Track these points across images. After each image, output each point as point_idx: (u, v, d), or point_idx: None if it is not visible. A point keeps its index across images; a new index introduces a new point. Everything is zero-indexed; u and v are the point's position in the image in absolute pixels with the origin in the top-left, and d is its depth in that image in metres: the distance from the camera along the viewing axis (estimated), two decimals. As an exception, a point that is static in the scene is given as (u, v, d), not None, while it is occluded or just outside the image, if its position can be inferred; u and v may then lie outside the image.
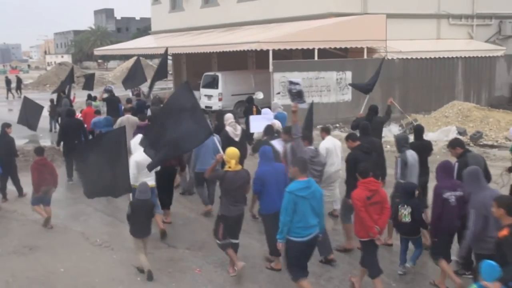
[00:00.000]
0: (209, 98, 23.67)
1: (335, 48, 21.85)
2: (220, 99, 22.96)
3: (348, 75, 21.57)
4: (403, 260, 7.73)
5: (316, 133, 10.95)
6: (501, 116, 19.22)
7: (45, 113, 20.73)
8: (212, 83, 23.87)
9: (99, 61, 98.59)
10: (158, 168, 8.85)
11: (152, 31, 38.82)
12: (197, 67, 30.81)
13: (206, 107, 23.51)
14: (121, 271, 8.05)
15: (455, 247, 7.35)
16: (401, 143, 8.54)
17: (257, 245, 8.78)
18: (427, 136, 17.58)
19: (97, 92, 22.48)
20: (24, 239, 9.40)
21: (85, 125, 14.23)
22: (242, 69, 27.84)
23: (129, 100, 17.03)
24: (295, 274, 6.71)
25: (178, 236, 9.42)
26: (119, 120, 13.33)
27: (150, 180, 8.92)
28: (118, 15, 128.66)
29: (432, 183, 7.75)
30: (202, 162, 10.01)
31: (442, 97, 23.30)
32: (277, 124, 11.15)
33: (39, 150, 10.39)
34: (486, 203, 6.01)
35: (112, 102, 18.14)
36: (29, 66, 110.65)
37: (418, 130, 9.56)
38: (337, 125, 20.73)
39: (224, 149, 8.30)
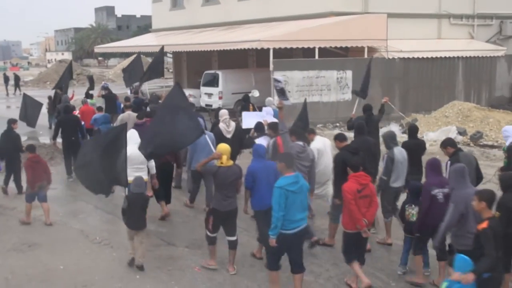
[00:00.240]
0: (209, 96, 23.67)
1: (335, 47, 21.84)
2: (220, 98, 22.96)
3: (349, 74, 21.56)
4: (404, 261, 7.73)
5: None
6: (501, 116, 19.21)
7: (44, 110, 20.79)
8: (213, 81, 23.86)
9: (100, 58, 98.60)
10: (153, 164, 9.15)
11: (152, 29, 38.80)
12: (197, 65, 30.79)
13: (206, 105, 23.53)
14: (120, 269, 8.04)
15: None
16: (387, 141, 8.64)
17: (256, 243, 8.76)
18: (428, 135, 17.70)
19: (96, 90, 22.56)
20: (24, 236, 9.39)
21: (83, 122, 14.28)
22: (243, 67, 27.83)
23: (127, 98, 17.11)
24: (271, 265, 6.95)
25: (177, 234, 9.43)
26: (120, 116, 13.43)
27: (143, 175, 9.05)
28: (118, 12, 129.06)
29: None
30: (198, 160, 10.02)
31: (442, 97, 23.29)
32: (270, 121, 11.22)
33: (31, 148, 10.37)
34: (466, 200, 6.17)
35: (110, 99, 18.29)
36: (29, 63, 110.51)
37: (412, 129, 9.65)
38: (337, 124, 20.73)
39: (215, 145, 8.54)
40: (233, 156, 10.23)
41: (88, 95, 19.42)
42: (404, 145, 9.17)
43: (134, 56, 21.37)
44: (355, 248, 7.17)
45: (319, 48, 21.32)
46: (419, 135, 17.63)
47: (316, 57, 21.39)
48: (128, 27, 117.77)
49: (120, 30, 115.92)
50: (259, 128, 10.30)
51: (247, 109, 14.23)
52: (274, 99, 15.21)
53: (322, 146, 9.58)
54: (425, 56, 23.30)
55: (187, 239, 9.03)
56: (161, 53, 17.21)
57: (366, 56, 22.27)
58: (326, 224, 9.15)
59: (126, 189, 8.20)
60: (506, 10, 27.44)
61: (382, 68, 22.49)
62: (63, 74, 19.38)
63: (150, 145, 8.38)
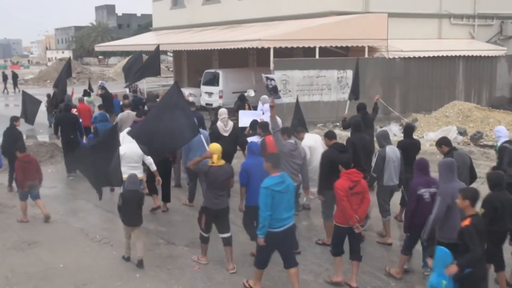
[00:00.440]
0: (209, 96, 23.68)
1: (336, 47, 21.82)
2: (220, 97, 22.96)
3: (349, 74, 21.50)
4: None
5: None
6: (501, 116, 19.20)
7: (43, 108, 20.82)
8: (213, 81, 23.86)
9: (100, 57, 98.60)
10: (148, 161, 9.36)
11: (153, 28, 38.82)
12: (198, 64, 30.81)
13: (206, 104, 23.52)
14: (120, 268, 8.04)
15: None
16: (380, 139, 8.80)
17: (255, 244, 8.76)
18: (428, 135, 17.71)
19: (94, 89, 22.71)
20: (24, 235, 9.40)
21: (80, 120, 14.47)
22: (243, 66, 27.84)
23: (126, 96, 17.33)
24: (259, 263, 7.04)
25: (177, 233, 9.42)
26: (120, 115, 13.51)
27: (138, 173, 9.17)
28: (119, 11, 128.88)
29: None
30: (192, 159, 10.05)
31: (442, 97, 23.29)
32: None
33: (22, 147, 10.40)
34: (453, 194, 6.28)
35: (107, 98, 18.69)
36: (29, 61, 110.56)
37: (408, 129, 9.83)
38: (338, 123, 20.71)
39: (212, 143, 8.79)
40: (230, 155, 10.34)
41: (86, 93, 19.62)
42: (399, 144, 9.33)
43: (133, 54, 21.34)
44: (349, 244, 7.30)
45: (320, 48, 21.30)
46: (420, 135, 17.85)
47: (317, 56, 21.38)
48: (129, 26, 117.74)
49: (121, 29, 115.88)
50: (254, 126, 10.33)
51: (243, 108, 14.27)
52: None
53: (314, 143, 9.75)
54: (425, 56, 23.28)
55: (186, 238, 9.03)
56: (157, 51, 17.20)
57: (366, 55, 22.27)
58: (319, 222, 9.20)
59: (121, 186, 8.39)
60: (506, 10, 27.42)
61: (382, 68, 22.49)
62: (61, 72, 19.36)
63: (150, 144, 8.44)
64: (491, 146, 16.45)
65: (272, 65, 20.34)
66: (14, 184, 11.71)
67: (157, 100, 15.80)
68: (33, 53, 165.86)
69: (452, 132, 17.34)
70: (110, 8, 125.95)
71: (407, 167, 8.80)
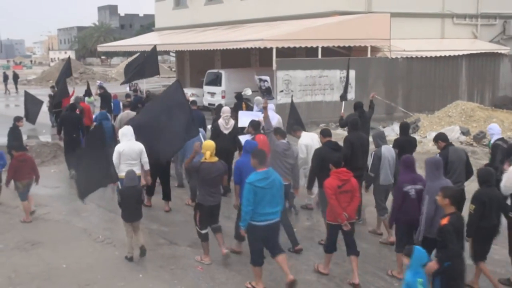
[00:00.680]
0: (212, 96, 23.68)
1: (338, 47, 21.80)
2: (223, 97, 22.95)
3: (352, 73, 21.49)
4: None
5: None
6: (504, 116, 19.15)
7: (45, 108, 20.87)
8: (215, 81, 23.86)
9: (102, 57, 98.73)
10: (146, 159, 9.45)
11: (155, 28, 38.84)
12: (200, 64, 30.81)
13: (209, 104, 23.52)
14: (123, 268, 8.04)
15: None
16: (376, 139, 8.92)
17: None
18: (431, 135, 17.66)
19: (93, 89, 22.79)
20: (26, 235, 9.40)
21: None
22: (246, 66, 27.81)
23: (128, 95, 17.45)
24: (254, 260, 7.14)
25: (180, 233, 9.42)
26: (119, 116, 13.64)
27: (136, 169, 9.23)
28: (121, 11, 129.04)
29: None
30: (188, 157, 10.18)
31: (445, 97, 23.25)
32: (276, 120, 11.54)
33: (17, 146, 10.46)
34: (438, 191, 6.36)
35: (105, 98, 18.83)
36: (32, 62, 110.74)
37: (404, 127, 9.98)
38: (340, 123, 20.70)
39: (213, 139, 9.10)
40: (229, 153, 10.48)
41: (87, 93, 19.77)
42: (396, 142, 9.47)
43: (137, 54, 21.41)
44: (344, 240, 7.45)
45: (322, 48, 21.29)
46: (422, 135, 17.81)
47: (319, 56, 21.37)
48: (131, 26, 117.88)
49: (123, 29, 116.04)
50: (257, 126, 10.37)
51: (240, 108, 14.33)
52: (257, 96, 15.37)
53: (310, 141, 9.85)
54: (428, 56, 23.25)
55: (189, 238, 9.01)
56: (154, 52, 17.22)
57: (369, 55, 22.25)
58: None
59: (118, 183, 8.67)
60: (509, 10, 27.36)
61: (385, 68, 22.46)
62: (61, 72, 19.42)
63: (150, 148, 8.76)
64: (494, 146, 16.41)
65: (274, 65, 20.33)
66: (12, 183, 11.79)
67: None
68: (36, 54, 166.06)
69: (455, 132, 17.31)
70: (113, 9, 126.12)
71: None
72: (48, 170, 14.11)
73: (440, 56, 23.53)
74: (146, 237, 9.09)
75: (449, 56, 23.77)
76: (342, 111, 13.39)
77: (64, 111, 15.16)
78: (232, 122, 11.29)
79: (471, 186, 7.35)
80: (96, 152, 8.36)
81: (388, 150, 8.77)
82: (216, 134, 10.85)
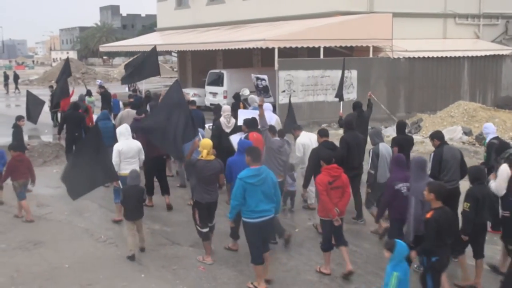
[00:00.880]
0: (214, 96, 23.69)
1: (340, 47, 21.80)
2: (225, 97, 22.95)
3: (354, 74, 21.52)
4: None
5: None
6: (507, 116, 19.11)
7: (47, 108, 20.90)
8: (217, 81, 23.87)
9: (105, 57, 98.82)
10: (143, 157, 9.84)
11: (157, 28, 38.86)
12: (202, 65, 30.82)
13: (211, 104, 23.50)
14: (125, 268, 8.05)
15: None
16: (373, 137, 9.10)
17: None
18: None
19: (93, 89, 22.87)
20: (29, 235, 9.42)
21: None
22: (247, 66, 27.81)
23: (131, 96, 17.61)
24: (254, 258, 7.21)
25: (182, 233, 9.41)
26: (120, 114, 13.78)
27: (135, 167, 9.46)
28: (123, 11, 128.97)
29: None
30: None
31: (447, 97, 23.22)
32: (274, 120, 11.62)
33: (15, 146, 10.54)
34: (423, 191, 6.49)
35: (105, 97, 19.20)
36: (34, 62, 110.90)
37: (400, 126, 10.05)
38: (342, 123, 20.69)
39: (215, 138, 9.66)
40: (231, 151, 10.55)
41: (88, 93, 19.90)
42: (394, 140, 9.53)
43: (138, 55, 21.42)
44: (332, 234, 7.59)
45: (324, 48, 21.29)
46: (425, 135, 17.79)
47: (321, 56, 21.36)
48: (133, 26, 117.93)
49: (125, 29, 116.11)
50: (253, 124, 10.43)
51: (238, 107, 14.39)
52: (248, 95, 15.48)
53: (308, 141, 9.95)
54: (430, 56, 23.22)
55: (191, 238, 9.00)
56: (154, 52, 17.26)
57: (371, 55, 22.23)
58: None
59: (120, 182, 8.82)
60: (512, 10, 27.35)
61: (387, 68, 22.45)
62: (60, 71, 19.45)
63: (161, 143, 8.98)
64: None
65: (276, 65, 20.34)
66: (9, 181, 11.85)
67: (158, 99, 16.03)
68: (38, 54, 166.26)
69: (457, 132, 17.29)
70: (115, 9, 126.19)
71: None
72: (50, 170, 14.12)
73: (442, 56, 23.51)
74: (149, 237, 9.11)
75: (451, 56, 23.74)
76: (341, 111, 13.56)
77: (68, 110, 15.25)
78: (233, 120, 11.43)
79: (466, 185, 7.37)
80: (93, 152, 8.42)
81: (385, 148, 8.91)
82: (219, 133, 11.03)
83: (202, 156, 7.89)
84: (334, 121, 20.76)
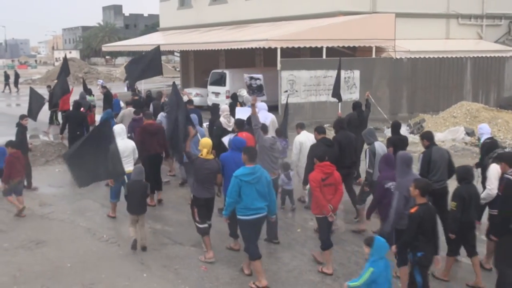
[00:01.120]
0: (216, 96, 23.67)
1: (343, 47, 21.78)
2: (227, 97, 22.90)
3: (356, 74, 21.51)
4: None
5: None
6: (509, 117, 19.07)
7: (46, 107, 20.91)
8: (220, 81, 23.86)
9: (107, 57, 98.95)
10: (137, 156, 10.18)
11: (160, 28, 38.89)
12: (205, 64, 30.84)
13: (213, 104, 23.50)
14: (127, 267, 8.05)
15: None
16: (367, 137, 9.21)
17: (263, 243, 8.77)
18: (435, 136, 17.62)
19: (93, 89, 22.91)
20: (31, 234, 9.43)
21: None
22: (250, 66, 27.82)
23: (135, 94, 17.94)
24: (252, 253, 7.35)
25: (184, 233, 9.41)
26: (122, 112, 14.09)
27: (129, 166, 9.64)
28: (126, 11, 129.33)
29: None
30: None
31: (450, 97, 23.20)
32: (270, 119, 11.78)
33: (13, 144, 10.60)
34: (409, 187, 6.59)
35: (107, 97, 19.27)
36: (36, 61, 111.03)
37: (395, 126, 10.15)
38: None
39: (218, 137, 10.04)
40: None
41: (88, 92, 19.97)
42: (389, 141, 9.58)
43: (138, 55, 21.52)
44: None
45: (327, 48, 21.27)
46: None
47: (324, 56, 21.34)
48: (136, 26, 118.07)
49: (128, 29, 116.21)
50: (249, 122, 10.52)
51: (235, 107, 14.44)
52: (244, 94, 15.54)
53: (306, 140, 10.08)
54: (433, 56, 23.20)
55: (193, 238, 9.00)
56: (157, 51, 17.29)
57: (374, 56, 22.21)
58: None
59: (126, 177, 9.00)
60: (515, 10, 27.31)
61: (390, 68, 22.43)
62: (60, 71, 19.45)
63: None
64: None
65: (279, 65, 20.34)
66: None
67: (160, 98, 16.21)
68: (41, 53, 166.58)
69: (460, 133, 17.25)
70: (117, 8, 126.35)
71: None
72: (53, 170, 14.16)
73: (445, 57, 23.49)
74: (151, 237, 9.12)
75: (454, 56, 23.71)
76: (339, 111, 13.80)
77: (70, 109, 15.34)
78: (233, 119, 11.56)
79: (455, 184, 7.47)
80: (103, 145, 8.65)
81: (380, 146, 8.99)
82: (222, 132, 11.16)
83: (201, 155, 8.06)
84: (336, 121, 20.79)
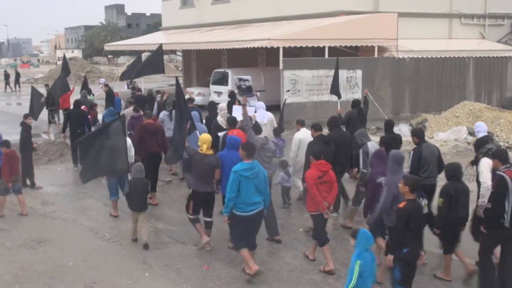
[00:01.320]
0: (218, 95, 23.68)
1: (345, 47, 21.76)
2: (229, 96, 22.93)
3: (359, 73, 21.49)
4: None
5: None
6: (512, 117, 19.03)
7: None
8: (222, 80, 23.87)
9: (109, 56, 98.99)
10: (132, 153, 10.21)
11: (162, 27, 38.91)
12: (207, 64, 30.83)
13: (210, 102, 23.49)
14: (129, 266, 8.06)
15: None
16: (359, 137, 9.31)
17: (265, 242, 8.78)
18: (438, 136, 17.61)
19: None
20: (33, 233, 9.44)
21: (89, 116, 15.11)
22: (252, 66, 27.82)
23: (138, 89, 18.34)
24: (237, 243, 7.55)
25: (186, 232, 9.40)
26: (126, 111, 14.08)
27: None
28: (128, 10, 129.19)
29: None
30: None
31: (453, 97, 23.16)
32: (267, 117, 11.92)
33: (7, 143, 10.58)
34: (397, 184, 6.69)
35: (110, 95, 19.28)
36: (39, 60, 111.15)
37: (388, 125, 10.22)
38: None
39: (216, 136, 10.17)
40: None
41: (88, 91, 19.98)
42: (382, 139, 9.64)
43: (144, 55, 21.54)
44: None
45: (329, 47, 21.25)
46: (430, 135, 17.75)
47: (326, 56, 21.32)
48: (138, 25, 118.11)
49: (130, 28, 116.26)
50: (232, 121, 10.55)
51: (233, 105, 14.49)
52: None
53: (305, 136, 10.12)
54: (435, 56, 23.17)
55: (196, 238, 9.00)
56: (160, 50, 17.31)
57: (376, 55, 22.19)
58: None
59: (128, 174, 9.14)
60: (518, 10, 27.25)
61: (392, 68, 22.40)
62: (61, 71, 19.48)
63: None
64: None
65: (281, 65, 20.32)
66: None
67: (158, 97, 16.39)
68: (43, 52, 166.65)
69: (462, 133, 17.23)
70: (120, 8, 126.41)
71: None
72: (55, 169, 14.18)
73: (448, 57, 23.45)
74: (153, 236, 9.13)
75: (457, 56, 23.67)
76: (338, 108, 14.06)
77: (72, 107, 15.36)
78: None
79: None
80: (113, 140, 8.81)
81: (373, 146, 9.06)
82: (218, 131, 11.23)
83: (201, 150, 8.24)
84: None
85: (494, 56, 24.77)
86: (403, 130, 18.39)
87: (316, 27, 21.93)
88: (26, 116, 12.47)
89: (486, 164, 7.69)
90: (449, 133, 17.60)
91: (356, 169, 9.69)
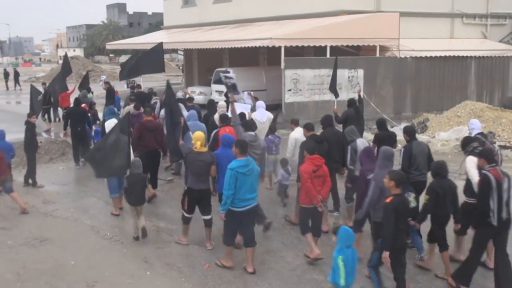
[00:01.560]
0: (220, 94, 23.64)
1: (347, 46, 21.73)
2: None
3: (360, 73, 21.47)
4: (418, 246, 8.17)
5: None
6: (514, 117, 19.00)
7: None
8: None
9: (111, 55, 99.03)
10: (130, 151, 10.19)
11: (164, 26, 38.88)
12: (208, 63, 30.83)
13: (210, 100, 23.49)
14: (131, 265, 8.07)
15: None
16: (349, 134, 9.40)
17: (266, 242, 8.78)
18: (439, 135, 17.60)
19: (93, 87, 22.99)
20: (35, 231, 9.46)
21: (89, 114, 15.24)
22: (254, 65, 27.81)
23: (138, 86, 18.34)
24: (227, 240, 7.81)
25: (188, 231, 9.42)
26: (126, 108, 14.21)
27: None
28: (130, 9, 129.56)
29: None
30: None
31: (454, 97, 23.12)
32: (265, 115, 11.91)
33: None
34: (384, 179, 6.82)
35: (110, 93, 19.48)
36: (40, 59, 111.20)
37: (381, 122, 10.40)
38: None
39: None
40: None
41: (88, 90, 20.05)
42: (376, 137, 9.86)
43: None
44: (311, 221, 8.04)
45: (331, 47, 21.22)
46: (431, 135, 17.74)
47: (328, 55, 21.30)
48: (140, 24, 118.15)
49: (132, 27, 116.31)
50: (225, 119, 10.56)
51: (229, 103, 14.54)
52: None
53: (300, 136, 10.11)
54: (437, 56, 23.12)
55: (197, 237, 9.02)
56: (160, 48, 17.28)
57: (378, 55, 22.17)
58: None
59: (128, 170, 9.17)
60: (520, 10, 27.18)
61: (394, 68, 22.38)
62: (61, 70, 19.47)
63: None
64: (504, 147, 16.31)
65: (283, 64, 20.31)
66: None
67: (156, 96, 16.64)
68: (45, 51, 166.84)
69: (464, 132, 17.18)
70: (121, 7, 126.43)
71: None
72: (57, 167, 14.20)
73: (449, 56, 23.41)
74: (154, 235, 9.15)
75: (458, 56, 23.63)
76: (335, 107, 14.25)
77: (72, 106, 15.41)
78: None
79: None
80: (119, 139, 8.89)
81: (362, 143, 9.12)
82: (215, 127, 11.09)
83: (195, 148, 8.33)
84: (339, 120, 20.75)
85: (496, 56, 24.73)
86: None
87: (318, 27, 21.90)
88: (30, 115, 12.46)
89: (471, 161, 7.80)
90: (450, 133, 17.59)
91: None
